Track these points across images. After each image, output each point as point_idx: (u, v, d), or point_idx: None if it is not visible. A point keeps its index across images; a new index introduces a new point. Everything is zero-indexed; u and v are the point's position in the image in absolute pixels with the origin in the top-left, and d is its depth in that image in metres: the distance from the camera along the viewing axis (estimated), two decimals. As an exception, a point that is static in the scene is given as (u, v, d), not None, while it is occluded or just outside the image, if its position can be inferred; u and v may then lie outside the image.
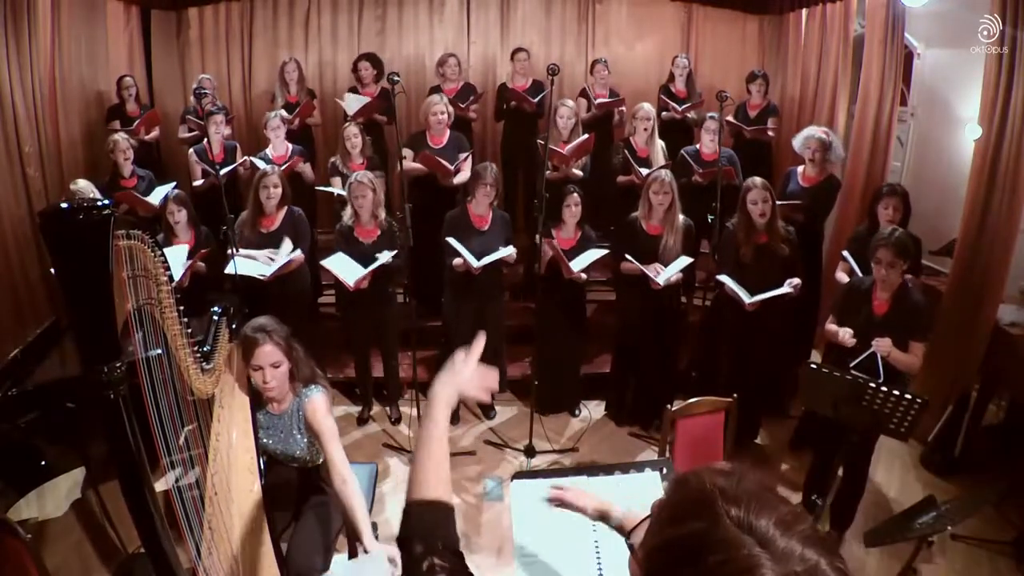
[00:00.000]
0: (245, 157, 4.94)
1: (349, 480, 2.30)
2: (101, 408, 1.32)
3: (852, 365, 3.04)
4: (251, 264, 3.82)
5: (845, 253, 3.81)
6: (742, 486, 0.77)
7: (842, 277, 3.82)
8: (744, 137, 5.37)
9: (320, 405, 2.48)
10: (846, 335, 3.11)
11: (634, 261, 3.84)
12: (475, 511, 3.65)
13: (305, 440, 2.55)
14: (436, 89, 5.30)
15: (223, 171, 4.49)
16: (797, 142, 4.37)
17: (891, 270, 3.03)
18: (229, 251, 3.74)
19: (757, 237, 3.75)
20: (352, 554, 2.98)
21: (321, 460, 2.67)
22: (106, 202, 1.25)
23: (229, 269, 3.71)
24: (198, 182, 4.71)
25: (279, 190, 3.93)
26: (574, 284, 4.02)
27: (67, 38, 5.04)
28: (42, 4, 4.67)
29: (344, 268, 3.84)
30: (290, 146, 4.83)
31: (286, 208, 4.03)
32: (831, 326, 3.26)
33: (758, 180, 3.73)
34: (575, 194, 4.01)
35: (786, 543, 0.70)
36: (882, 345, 3.01)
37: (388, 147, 5.47)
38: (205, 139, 4.72)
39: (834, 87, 5.27)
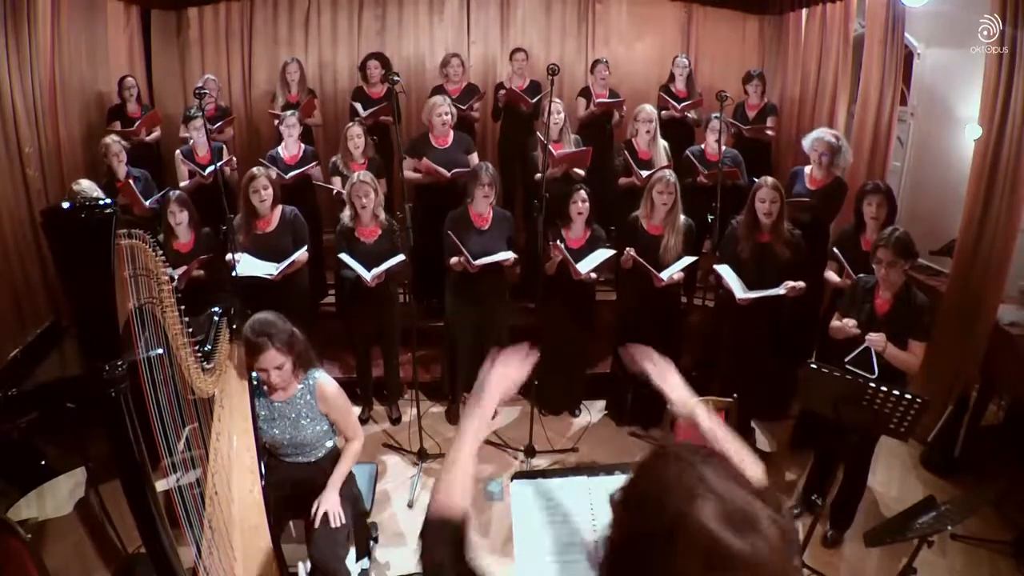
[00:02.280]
0: (231, 157, 4.94)
1: (358, 439, 2.74)
2: (102, 406, 1.32)
3: (847, 360, 3.05)
4: (257, 264, 3.82)
5: (836, 251, 3.79)
6: (702, 452, 0.90)
7: (831, 276, 3.81)
8: (743, 137, 5.36)
9: (330, 382, 2.65)
10: (849, 323, 3.11)
11: (633, 254, 3.83)
12: (475, 511, 3.65)
13: (314, 424, 2.61)
14: (439, 89, 5.30)
15: (207, 170, 4.52)
16: (806, 143, 4.35)
17: (891, 269, 3.03)
18: (228, 256, 3.74)
19: (759, 236, 3.75)
20: (360, 553, 2.99)
21: (324, 453, 2.68)
22: (108, 201, 1.26)
23: (234, 272, 3.72)
24: (184, 183, 4.69)
25: (269, 191, 3.91)
26: (582, 286, 4.01)
27: (67, 38, 5.04)
28: (42, 4, 4.66)
29: (356, 265, 3.86)
30: (303, 146, 4.83)
31: (280, 208, 4.03)
32: (836, 323, 3.25)
33: (770, 180, 3.72)
34: (582, 191, 4.00)
35: (726, 488, 0.82)
36: (876, 340, 3.01)
37: (392, 148, 5.47)
38: (191, 140, 4.74)
39: (834, 87, 5.27)
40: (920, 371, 3.19)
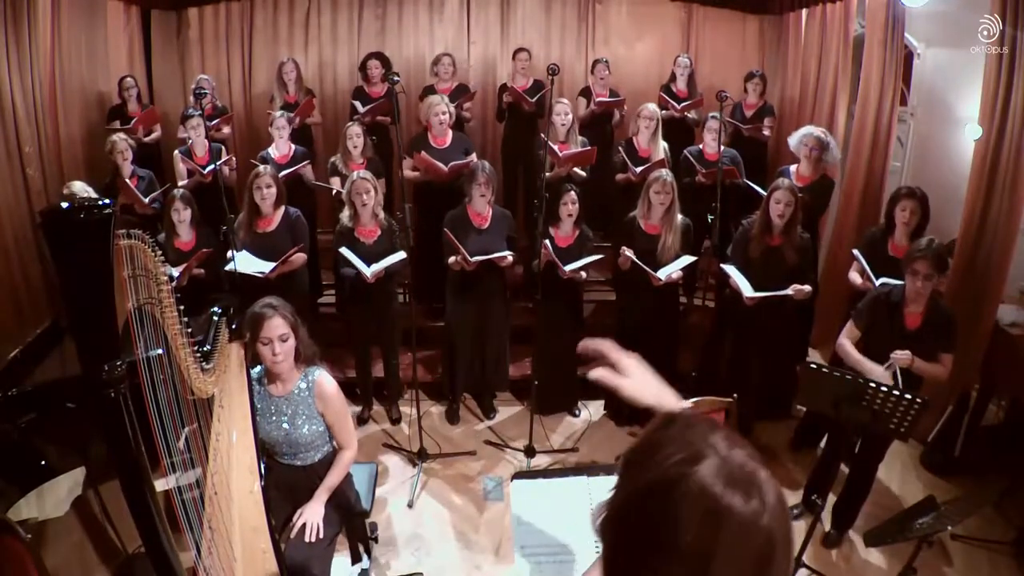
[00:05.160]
0: (230, 156, 4.94)
1: (352, 449, 2.69)
2: (101, 407, 1.32)
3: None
4: (252, 262, 3.82)
5: (856, 252, 3.78)
6: (709, 420, 0.91)
7: (854, 277, 3.78)
8: (742, 135, 5.36)
9: (330, 381, 2.62)
10: (884, 375, 2.95)
11: (631, 254, 3.83)
12: (475, 511, 3.65)
13: (311, 423, 2.58)
14: (430, 89, 5.30)
15: (207, 169, 4.52)
16: (793, 140, 4.37)
17: (927, 282, 2.95)
18: (228, 254, 3.74)
19: (770, 238, 3.75)
20: (354, 557, 2.98)
21: (320, 456, 2.68)
22: (107, 201, 1.25)
23: (229, 267, 3.72)
24: (183, 182, 4.68)
25: (273, 190, 3.92)
26: (573, 284, 4.02)
27: (67, 38, 5.04)
28: (42, 4, 4.66)
29: (357, 260, 3.86)
30: (293, 147, 4.83)
31: (283, 208, 4.02)
32: (853, 351, 3.14)
33: (787, 182, 3.73)
34: (572, 192, 4.00)
35: (729, 451, 0.82)
36: (902, 358, 2.98)
37: (392, 148, 5.47)
38: (190, 140, 4.74)
39: (834, 87, 5.27)
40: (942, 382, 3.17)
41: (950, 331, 3.04)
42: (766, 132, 5.37)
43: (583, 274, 3.96)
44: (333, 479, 2.63)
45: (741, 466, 0.81)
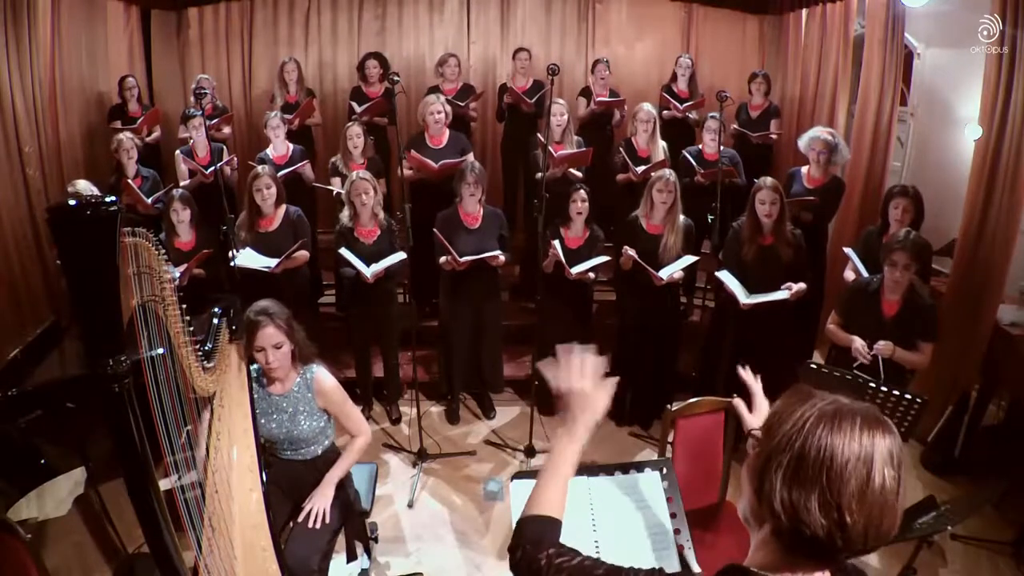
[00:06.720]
0: (232, 156, 4.94)
1: (362, 435, 2.70)
2: (106, 401, 1.33)
3: (855, 366, 3.06)
4: (256, 258, 3.82)
5: (847, 251, 3.79)
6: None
7: (848, 275, 3.80)
8: (750, 141, 5.36)
9: (327, 377, 2.64)
10: (861, 348, 3.10)
11: (632, 253, 3.83)
12: (475, 511, 3.65)
13: (311, 419, 2.61)
14: (435, 89, 5.31)
15: (208, 170, 4.50)
16: (802, 143, 4.36)
17: (906, 272, 3.03)
18: (230, 253, 3.75)
19: (762, 239, 3.75)
20: (350, 555, 2.99)
21: (321, 451, 2.69)
22: (113, 199, 1.27)
23: (234, 263, 3.72)
24: (184, 182, 4.68)
25: (272, 190, 3.93)
26: (579, 285, 4.01)
27: (67, 38, 5.05)
28: (42, 4, 4.67)
29: (356, 261, 3.87)
30: (291, 146, 4.83)
31: (284, 208, 4.03)
32: (838, 330, 3.26)
33: (769, 180, 3.72)
34: (581, 191, 4.00)
35: (863, 406, 1.01)
36: (883, 349, 3.04)
37: (391, 148, 5.47)
38: (191, 140, 4.74)
39: (834, 87, 5.27)
40: (921, 371, 3.20)
41: (929, 320, 3.10)
42: (774, 137, 5.37)
43: (591, 275, 3.96)
44: (345, 463, 2.67)
45: (876, 414, 1.00)
